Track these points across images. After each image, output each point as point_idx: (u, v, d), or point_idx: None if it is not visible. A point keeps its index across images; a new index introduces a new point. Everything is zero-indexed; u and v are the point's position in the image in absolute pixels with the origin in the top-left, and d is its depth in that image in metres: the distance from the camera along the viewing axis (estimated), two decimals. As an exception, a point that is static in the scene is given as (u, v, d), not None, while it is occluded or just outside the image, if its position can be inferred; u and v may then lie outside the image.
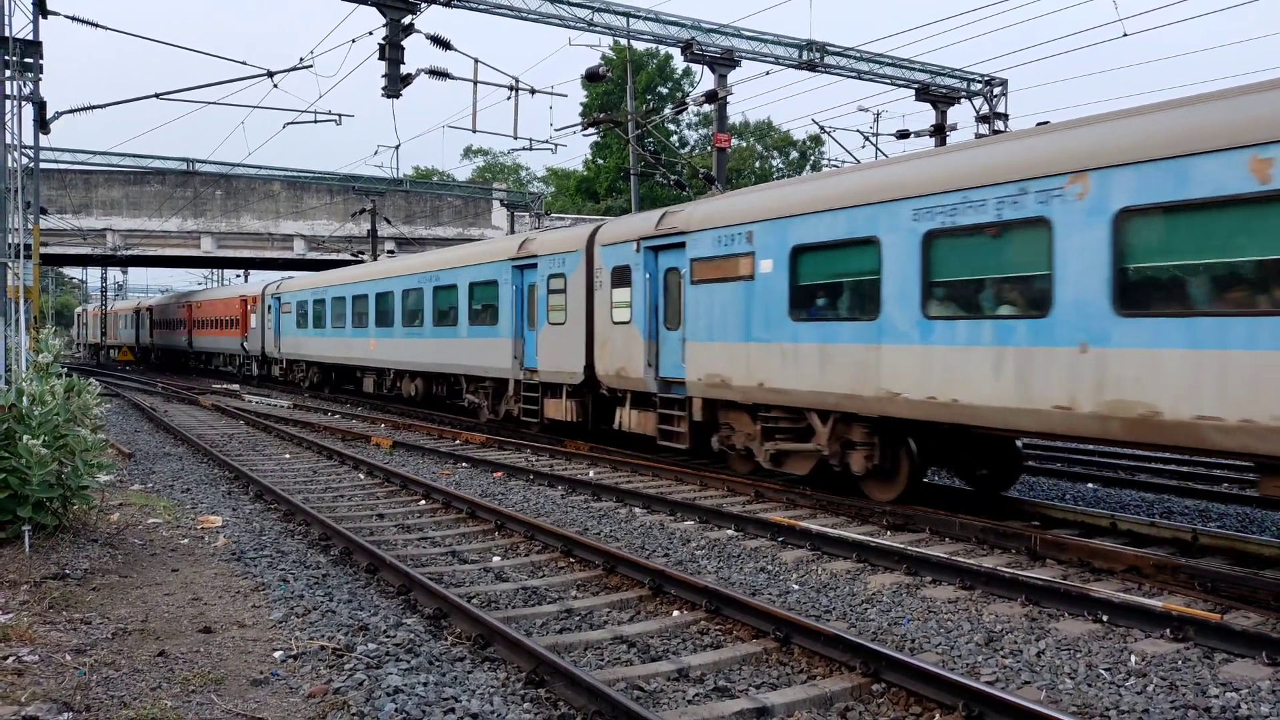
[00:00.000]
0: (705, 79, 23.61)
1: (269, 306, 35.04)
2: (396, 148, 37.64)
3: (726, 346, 12.55)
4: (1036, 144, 9.05)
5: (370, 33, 17.73)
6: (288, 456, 16.97)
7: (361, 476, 14.66)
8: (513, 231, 42.20)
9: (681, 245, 13.57)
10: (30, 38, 17.95)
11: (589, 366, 15.99)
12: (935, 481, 13.37)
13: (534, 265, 17.83)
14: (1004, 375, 9.07)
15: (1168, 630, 6.80)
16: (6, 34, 17.00)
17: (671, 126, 60.16)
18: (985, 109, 26.88)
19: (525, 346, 18.31)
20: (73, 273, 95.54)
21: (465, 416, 22.10)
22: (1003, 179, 9.10)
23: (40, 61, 18.23)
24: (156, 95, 20.42)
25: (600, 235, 15.89)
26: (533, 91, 20.89)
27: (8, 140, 17.34)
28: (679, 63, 54.31)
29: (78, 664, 5.91)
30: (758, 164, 65.34)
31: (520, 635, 6.33)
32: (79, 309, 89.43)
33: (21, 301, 17.37)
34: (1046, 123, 10.16)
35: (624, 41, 24.31)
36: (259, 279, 51.75)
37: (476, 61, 19.32)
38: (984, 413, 9.31)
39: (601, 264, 15.60)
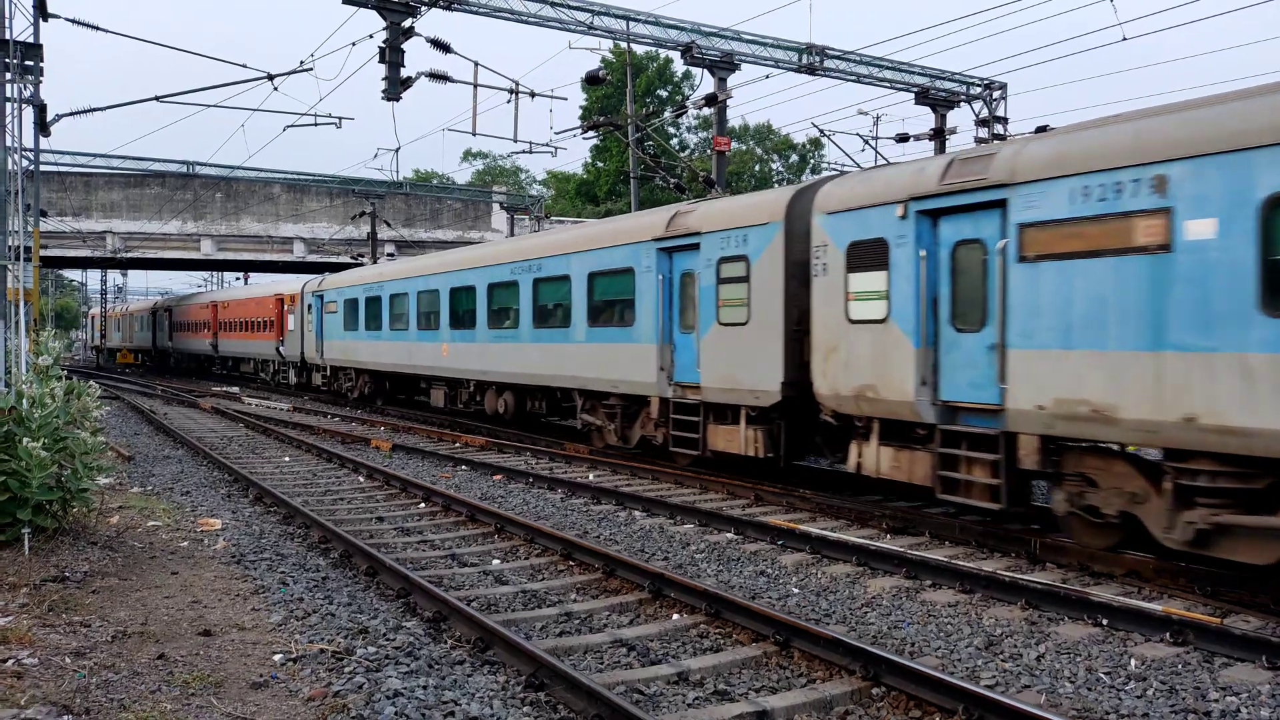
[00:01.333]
0: (705, 82, 23.71)
1: (309, 306, 31.02)
2: (396, 150, 37.70)
3: (1105, 358, 8.39)
4: None
5: (371, 36, 17.81)
6: (287, 459, 16.98)
7: (361, 479, 14.66)
8: (513, 234, 42.15)
9: (995, 205, 9.40)
10: (31, 40, 18.00)
11: (789, 383, 12.09)
12: None
13: (693, 246, 13.80)
14: None
15: (1168, 634, 6.80)
16: (7, 37, 17.03)
17: (671, 130, 60.22)
18: (985, 113, 26.94)
19: (677, 354, 14.30)
20: (72, 275, 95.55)
21: (577, 442, 17.56)
22: None
23: (41, 64, 18.25)
24: (156, 98, 20.45)
25: (823, 199, 11.61)
26: (532, 95, 20.95)
27: (8, 143, 17.34)
28: (679, 66, 54.45)
29: (77, 667, 5.91)
30: (758, 167, 65.42)
31: (520, 638, 6.34)
32: (90, 311, 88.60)
33: (21, 304, 17.39)
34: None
35: (624, 45, 24.32)
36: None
37: (476, 65, 19.39)
38: None
39: (826, 239, 11.47)
